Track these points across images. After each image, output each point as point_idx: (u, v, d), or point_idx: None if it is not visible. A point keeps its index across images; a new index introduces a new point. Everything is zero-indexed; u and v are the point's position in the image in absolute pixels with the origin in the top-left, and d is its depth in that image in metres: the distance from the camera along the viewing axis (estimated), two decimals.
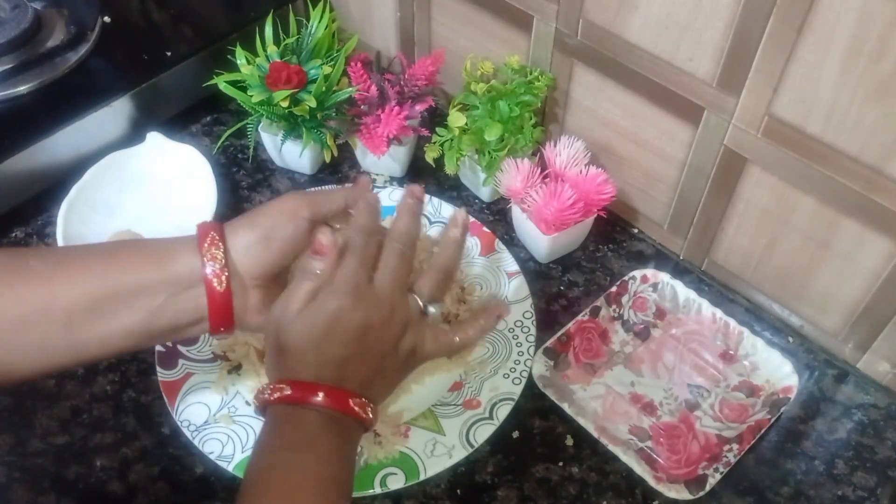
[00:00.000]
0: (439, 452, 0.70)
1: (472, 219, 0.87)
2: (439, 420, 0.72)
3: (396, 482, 0.68)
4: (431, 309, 0.62)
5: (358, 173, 0.95)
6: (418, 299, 0.62)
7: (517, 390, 0.74)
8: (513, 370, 0.75)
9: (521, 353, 0.76)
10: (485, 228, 0.87)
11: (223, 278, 0.58)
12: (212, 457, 0.69)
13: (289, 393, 0.56)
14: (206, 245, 0.58)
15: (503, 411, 0.72)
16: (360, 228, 0.61)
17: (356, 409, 0.57)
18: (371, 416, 0.58)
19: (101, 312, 0.56)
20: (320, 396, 0.55)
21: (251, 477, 0.55)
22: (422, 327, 0.62)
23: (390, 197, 0.90)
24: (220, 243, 0.58)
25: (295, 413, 0.56)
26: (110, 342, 0.58)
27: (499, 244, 0.85)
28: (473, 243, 0.86)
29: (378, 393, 0.61)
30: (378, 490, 0.67)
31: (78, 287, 0.56)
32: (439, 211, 0.88)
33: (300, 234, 0.61)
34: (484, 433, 0.71)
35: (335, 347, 0.57)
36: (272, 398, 0.56)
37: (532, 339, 0.77)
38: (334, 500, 0.54)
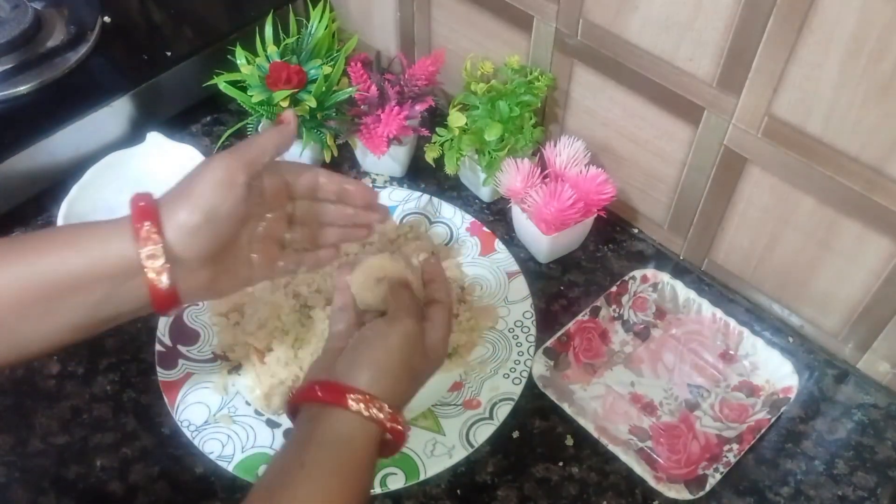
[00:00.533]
0: (439, 452, 0.70)
1: (471, 219, 0.88)
2: (439, 420, 0.72)
3: (396, 482, 0.68)
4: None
5: (357, 174, 0.95)
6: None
7: (517, 390, 0.74)
8: (513, 370, 0.75)
9: (521, 353, 0.76)
10: (485, 228, 0.87)
11: (164, 276, 0.54)
12: (212, 457, 0.69)
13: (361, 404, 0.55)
14: (142, 236, 0.54)
15: (503, 411, 0.72)
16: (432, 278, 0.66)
17: (400, 427, 0.56)
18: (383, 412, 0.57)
19: (37, 311, 0.53)
20: (384, 414, 0.55)
21: (278, 466, 0.54)
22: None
23: (390, 197, 0.90)
24: (157, 234, 0.54)
25: (337, 417, 0.55)
26: (52, 339, 0.55)
27: (499, 244, 0.85)
28: (473, 243, 0.86)
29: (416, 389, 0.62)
30: (378, 490, 0.67)
31: (9, 284, 0.53)
32: (439, 211, 0.88)
33: (241, 202, 0.56)
34: (484, 433, 0.71)
35: (405, 360, 0.59)
36: (344, 402, 0.55)
37: (532, 339, 0.77)
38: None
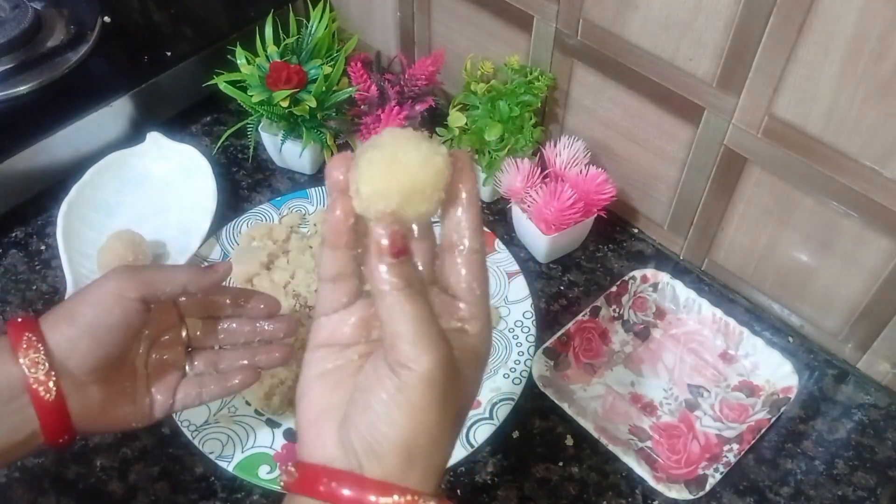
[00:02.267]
0: None
1: None
2: None
3: None
4: None
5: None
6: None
7: (517, 390, 0.74)
8: (513, 370, 0.75)
9: (521, 353, 0.76)
10: (484, 228, 0.87)
11: (50, 385, 0.50)
12: (212, 457, 0.69)
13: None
14: (22, 349, 0.50)
15: (503, 411, 0.72)
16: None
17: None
18: None
19: None
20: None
21: None
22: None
23: None
24: (39, 344, 0.51)
25: None
26: None
27: (499, 244, 0.85)
28: None
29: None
30: None
31: None
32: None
33: (132, 316, 0.53)
34: (484, 433, 0.71)
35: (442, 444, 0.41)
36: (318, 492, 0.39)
37: (532, 339, 0.77)
38: None
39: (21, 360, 0.50)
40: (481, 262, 0.43)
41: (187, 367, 0.60)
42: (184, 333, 0.60)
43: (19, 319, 0.52)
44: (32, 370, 0.50)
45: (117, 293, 0.53)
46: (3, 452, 0.51)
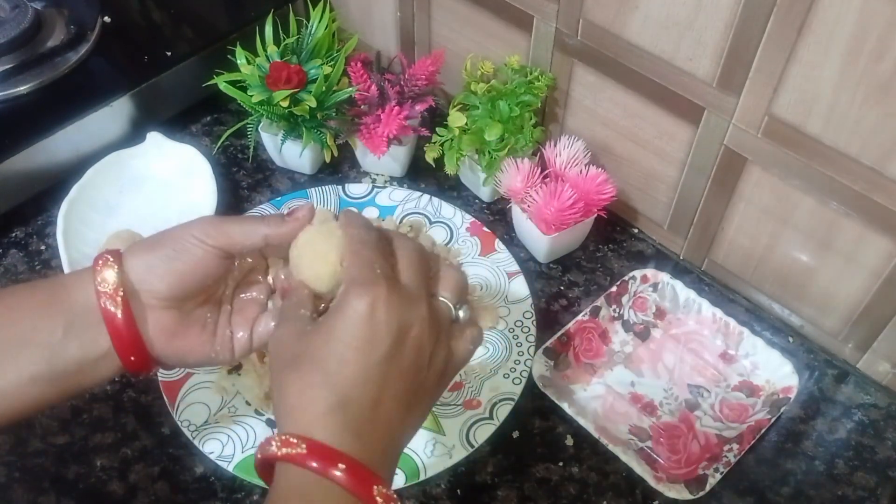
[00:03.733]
0: (439, 452, 0.70)
1: (471, 218, 0.88)
2: (439, 420, 0.72)
3: (396, 482, 0.68)
4: (461, 313, 0.52)
5: (357, 174, 0.95)
6: (448, 303, 0.52)
7: (517, 390, 0.74)
8: (513, 370, 0.75)
9: (521, 354, 0.76)
10: (485, 228, 0.87)
11: (118, 299, 0.52)
12: (212, 457, 0.69)
13: (303, 453, 0.44)
14: (98, 268, 0.52)
15: (503, 411, 0.72)
16: (365, 224, 0.52)
17: (378, 499, 0.44)
18: None
19: None
20: (340, 470, 0.44)
21: None
22: (453, 335, 0.52)
23: (390, 197, 0.90)
24: (114, 264, 0.52)
25: (309, 490, 0.44)
26: (8, 394, 0.51)
27: (499, 244, 0.85)
28: (473, 243, 0.86)
29: (411, 427, 0.50)
30: None
31: None
32: (439, 211, 0.88)
33: (209, 261, 0.54)
34: (484, 433, 0.71)
35: (360, 364, 0.46)
36: (280, 454, 0.45)
37: (532, 339, 0.77)
38: None
39: (96, 277, 0.52)
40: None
41: (269, 304, 0.60)
42: (269, 278, 0.60)
43: (105, 252, 0.54)
44: (102, 285, 0.52)
45: (200, 237, 0.54)
46: (80, 368, 0.52)
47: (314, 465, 0.44)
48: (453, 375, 0.53)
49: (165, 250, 0.54)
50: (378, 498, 0.44)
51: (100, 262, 0.53)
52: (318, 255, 0.52)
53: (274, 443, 0.45)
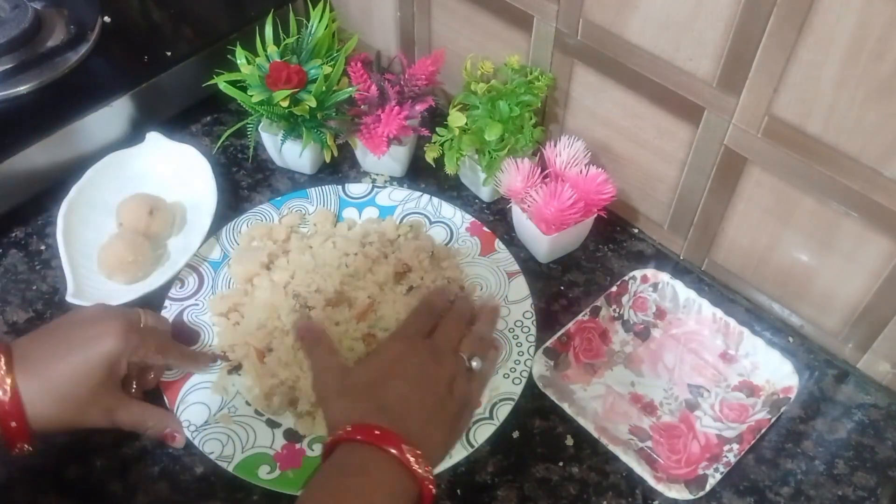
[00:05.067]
0: None
1: (471, 218, 0.88)
2: None
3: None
4: (474, 363, 0.70)
5: (357, 173, 0.95)
6: (463, 356, 0.69)
7: (517, 390, 0.74)
8: (513, 370, 0.75)
9: (521, 354, 0.76)
10: (485, 228, 0.87)
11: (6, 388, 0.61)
12: (212, 457, 0.69)
13: (350, 430, 0.59)
14: None
15: (503, 411, 0.72)
16: (432, 306, 0.74)
17: (408, 455, 0.58)
18: (425, 471, 0.58)
19: None
20: (375, 434, 0.58)
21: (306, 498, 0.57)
22: (470, 379, 0.69)
23: (390, 197, 0.90)
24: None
25: (356, 449, 0.58)
26: None
27: (499, 244, 0.85)
28: (473, 243, 0.86)
29: (438, 441, 0.63)
30: None
31: None
32: (439, 211, 0.88)
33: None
34: (484, 433, 0.71)
35: (397, 383, 0.63)
36: (340, 437, 0.59)
37: (532, 338, 0.77)
38: None
39: None
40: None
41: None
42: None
43: None
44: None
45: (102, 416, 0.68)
46: None
47: (386, 446, 0.57)
48: (473, 410, 0.70)
49: (69, 410, 0.64)
50: (408, 454, 0.58)
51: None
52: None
53: (346, 429, 0.59)
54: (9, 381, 0.60)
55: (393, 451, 0.57)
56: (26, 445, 0.62)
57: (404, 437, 0.58)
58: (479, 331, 0.74)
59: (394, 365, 0.65)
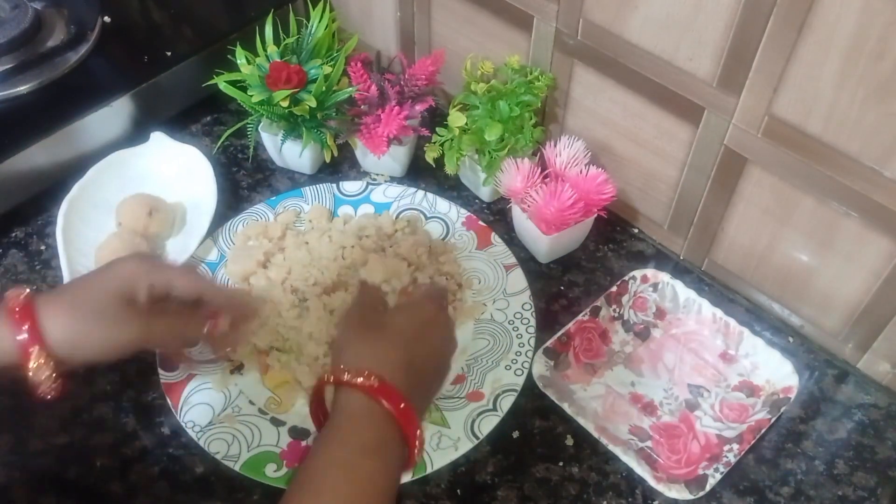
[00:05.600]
0: (445, 445, 0.70)
1: (467, 213, 0.88)
2: (444, 413, 0.72)
3: (404, 476, 0.67)
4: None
5: (357, 173, 0.95)
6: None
7: (519, 381, 0.74)
8: (514, 361, 0.75)
9: (521, 345, 0.76)
10: (480, 222, 0.87)
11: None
12: (218, 457, 0.69)
13: (375, 386, 0.55)
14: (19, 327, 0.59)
15: (507, 402, 0.72)
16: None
17: (419, 433, 0.56)
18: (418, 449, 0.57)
19: None
20: (396, 408, 0.55)
21: (313, 467, 0.54)
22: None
23: (385, 193, 0.90)
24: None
25: (371, 414, 0.55)
26: None
27: (495, 237, 0.85)
28: (470, 237, 0.86)
29: (422, 410, 0.61)
30: None
31: None
32: (434, 206, 0.89)
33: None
34: (488, 424, 0.71)
35: (425, 346, 0.61)
36: (356, 382, 0.55)
37: (532, 330, 0.77)
38: None
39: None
40: None
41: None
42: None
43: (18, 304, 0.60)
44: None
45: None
46: None
47: (383, 400, 0.54)
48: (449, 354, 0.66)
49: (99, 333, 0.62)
50: (417, 442, 0.56)
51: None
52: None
53: (347, 373, 0.55)
54: (27, 324, 0.59)
55: (411, 431, 0.55)
56: (51, 382, 0.61)
57: (417, 411, 0.56)
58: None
59: (428, 327, 0.62)
